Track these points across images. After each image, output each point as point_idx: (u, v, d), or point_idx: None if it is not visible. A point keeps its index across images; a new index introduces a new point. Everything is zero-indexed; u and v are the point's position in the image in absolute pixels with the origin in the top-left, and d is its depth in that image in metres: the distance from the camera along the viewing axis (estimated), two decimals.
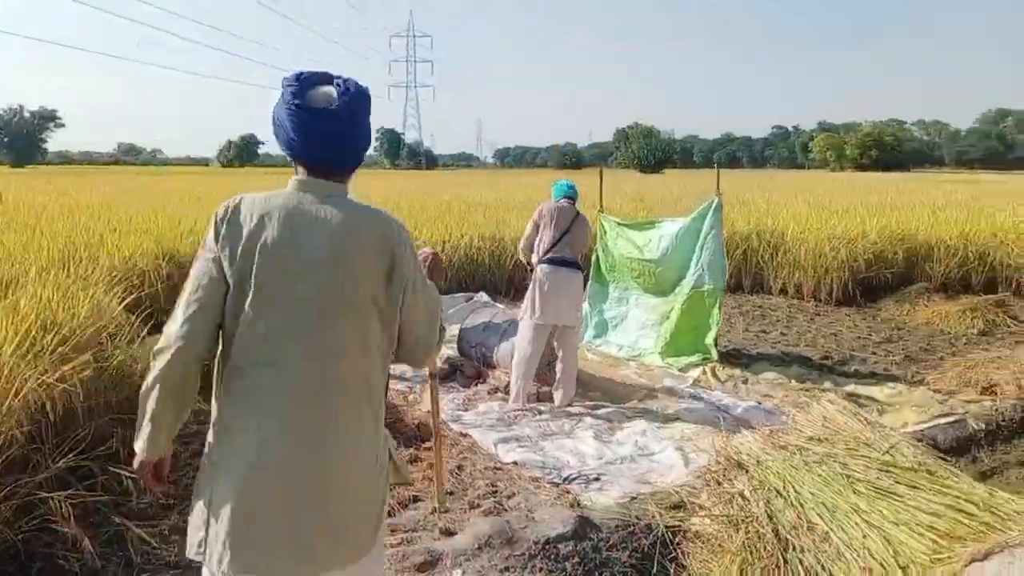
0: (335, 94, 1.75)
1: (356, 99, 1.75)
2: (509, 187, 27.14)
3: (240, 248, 1.69)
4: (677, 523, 3.65)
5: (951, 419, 5.18)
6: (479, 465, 4.76)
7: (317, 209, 1.73)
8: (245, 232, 1.69)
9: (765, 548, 3.21)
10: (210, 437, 1.77)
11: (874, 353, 7.65)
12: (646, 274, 7.38)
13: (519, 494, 4.32)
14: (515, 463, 4.74)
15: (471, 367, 6.53)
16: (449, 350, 7.36)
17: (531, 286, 5.68)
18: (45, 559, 3.25)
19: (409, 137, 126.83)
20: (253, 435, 1.68)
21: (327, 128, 1.73)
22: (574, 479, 4.46)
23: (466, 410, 5.84)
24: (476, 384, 6.35)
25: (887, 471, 3.38)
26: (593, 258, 7.92)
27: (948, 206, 15.48)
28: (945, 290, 10.60)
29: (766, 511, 3.41)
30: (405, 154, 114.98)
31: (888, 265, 10.58)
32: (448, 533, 3.65)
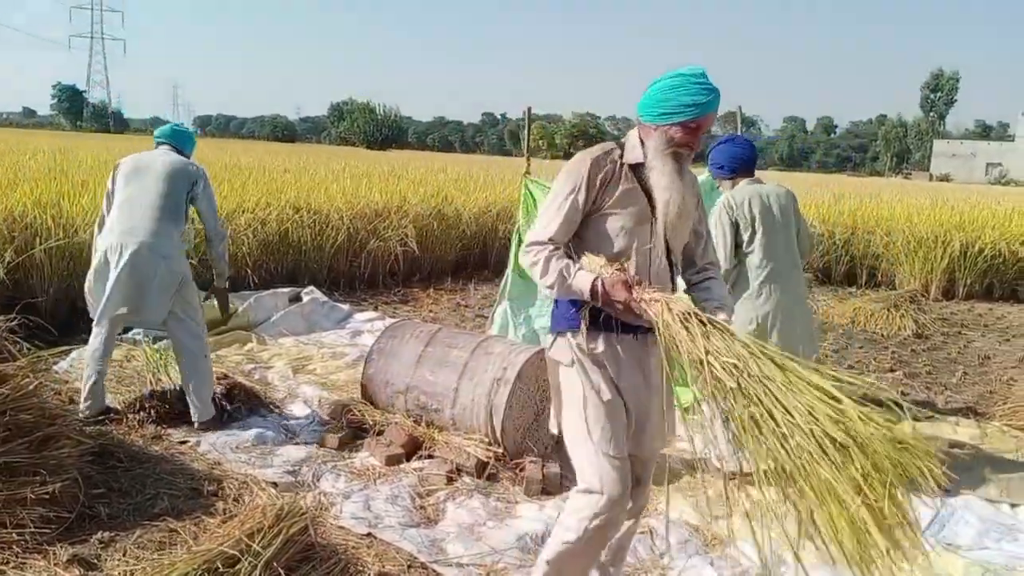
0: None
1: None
2: (251, 153, 23.02)
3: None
4: None
5: None
6: None
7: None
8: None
9: None
10: None
11: (852, 366, 6.11)
12: None
13: None
14: None
15: (397, 427, 3.76)
16: (317, 392, 4.49)
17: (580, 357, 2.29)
18: None
19: (94, 96, 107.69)
20: None
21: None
22: None
23: (431, 520, 3.15)
24: (407, 459, 3.62)
25: None
26: (513, 242, 5.43)
27: None
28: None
29: None
30: (89, 115, 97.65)
31: None
32: None
